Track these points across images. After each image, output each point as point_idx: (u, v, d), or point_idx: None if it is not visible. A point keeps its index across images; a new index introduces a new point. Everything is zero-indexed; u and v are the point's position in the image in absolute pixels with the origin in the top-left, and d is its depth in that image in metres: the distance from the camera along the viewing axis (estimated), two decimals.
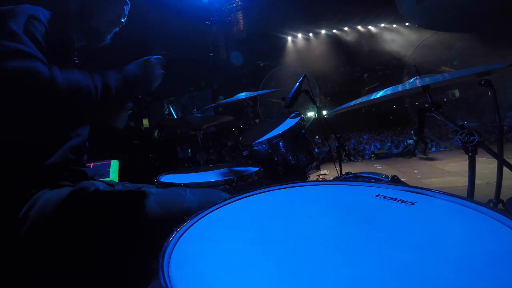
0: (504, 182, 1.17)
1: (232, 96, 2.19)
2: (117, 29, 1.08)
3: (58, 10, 0.90)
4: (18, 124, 0.73)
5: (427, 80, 1.06)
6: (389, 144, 8.48)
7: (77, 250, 0.72)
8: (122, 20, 1.07)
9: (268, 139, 1.49)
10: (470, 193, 1.12)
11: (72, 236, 0.72)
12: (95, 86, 0.78)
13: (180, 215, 0.82)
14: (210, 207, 0.68)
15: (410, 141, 7.91)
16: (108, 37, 1.07)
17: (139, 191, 0.88)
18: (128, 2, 1.07)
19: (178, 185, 1.11)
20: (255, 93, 2.18)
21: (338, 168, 1.83)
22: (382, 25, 13.66)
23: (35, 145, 0.75)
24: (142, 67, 0.93)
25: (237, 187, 1.10)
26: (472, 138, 1.03)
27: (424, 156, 6.76)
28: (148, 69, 0.93)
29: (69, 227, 0.73)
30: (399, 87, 1.12)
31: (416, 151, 7.13)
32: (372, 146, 8.47)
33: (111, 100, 0.82)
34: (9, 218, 0.68)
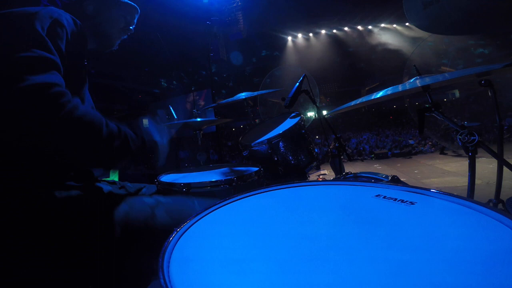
0: (504, 182, 1.17)
1: (232, 96, 2.19)
2: (126, 36, 1.11)
3: (76, 14, 0.91)
4: (23, 127, 0.71)
5: (427, 80, 1.06)
6: (390, 142, 8.48)
7: (80, 251, 0.72)
8: (131, 27, 1.10)
9: (268, 139, 1.49)
10: (470, 193, 1.12)
11: (77, 238, 0.72)
12: (108, 126, 0.74)
13: None
14: (210, 207, 0.68)
15: (412, 142, 7.90)
16: (117, 43, 1.09)
17: (149, 200, 0.88)
18: (139, 11, 1.09)
19: (178, 185, 1.11)
20: (255, 93, 2.17)
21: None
22: (382, 25, 13.67)
23: (41, 144, 0.75)
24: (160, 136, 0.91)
25: (237, 187, 1.10)
26: (472, 138, 1.03)
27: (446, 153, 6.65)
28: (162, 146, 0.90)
29: (76, 229, 0.73)
30: (399, 87, 1.12)
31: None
32: (367, 146, 8.48)
33: (120, 147, 0.75)
34: (18, 218, 0.68)
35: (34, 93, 0.63)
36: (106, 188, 0.94)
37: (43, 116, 0.64)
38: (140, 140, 0.82)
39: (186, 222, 0.60)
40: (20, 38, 0.70)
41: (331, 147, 1.67)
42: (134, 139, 0.79)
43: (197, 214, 0.64)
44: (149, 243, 0.76)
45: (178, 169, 1.49)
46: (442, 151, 6.89)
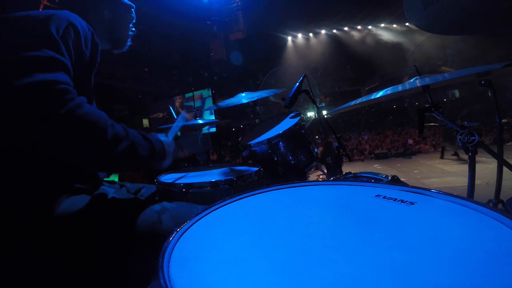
0: (504, 182, 1.17)
1: (232, 96, 2.19)
2: (132, 33, 1.13)
3: (94, 20, 0.94)
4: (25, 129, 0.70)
5: (427, 80, 1.06)
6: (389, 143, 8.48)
7: (80, 252, 0.72)
8: (134, 29, 1.12)
9: (268, 139, 1.49)
10: (470, 193, 1.12)
11: (78, 239, 0.72)
12: (114, 128, 0.72)
13: None
14: (210, 207, 0.68)
15: (411, 142, 7.90)
16: (128, 43, 1.12)
17: (156, 205, 0.88)
18: (134, 6, 1.10)
19: (178, 185, 1.11)
20: (255, 93, 2.17)
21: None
22: (382, 25, 13.68)
23: (43, 142, 0.74)
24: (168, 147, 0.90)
25: (237, 187, 1.10)
26: (472, 138, 1.03)
27: (454, 157, 6.45)
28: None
29: (76, 230, 0.73)
30: (399, 87, 1.12)
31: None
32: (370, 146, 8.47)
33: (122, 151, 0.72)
34: (18, 218, 0.68)
35: (38, 89, 0.62)
36: (110, 191, 0.93)
37: (45, 113, 0.62)
38: (149, 145, 0.80)
39: (186, 222, 0.60)
40: (33, 39, 0.70)
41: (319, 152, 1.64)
42: (142, 145, 0.77)
43: (197, 214, 0.64)
44: (151, 246, 0.76)
45: (178, 169, 1.49)
46: (442, 155, 6.76)
